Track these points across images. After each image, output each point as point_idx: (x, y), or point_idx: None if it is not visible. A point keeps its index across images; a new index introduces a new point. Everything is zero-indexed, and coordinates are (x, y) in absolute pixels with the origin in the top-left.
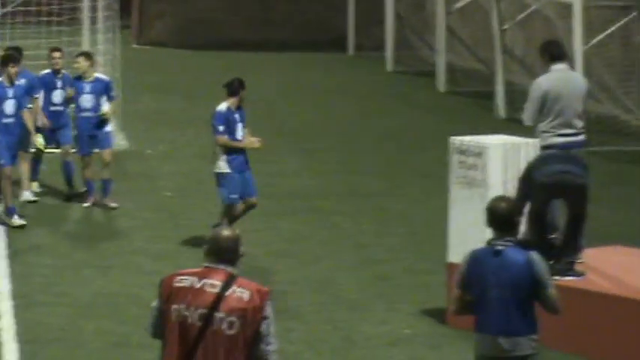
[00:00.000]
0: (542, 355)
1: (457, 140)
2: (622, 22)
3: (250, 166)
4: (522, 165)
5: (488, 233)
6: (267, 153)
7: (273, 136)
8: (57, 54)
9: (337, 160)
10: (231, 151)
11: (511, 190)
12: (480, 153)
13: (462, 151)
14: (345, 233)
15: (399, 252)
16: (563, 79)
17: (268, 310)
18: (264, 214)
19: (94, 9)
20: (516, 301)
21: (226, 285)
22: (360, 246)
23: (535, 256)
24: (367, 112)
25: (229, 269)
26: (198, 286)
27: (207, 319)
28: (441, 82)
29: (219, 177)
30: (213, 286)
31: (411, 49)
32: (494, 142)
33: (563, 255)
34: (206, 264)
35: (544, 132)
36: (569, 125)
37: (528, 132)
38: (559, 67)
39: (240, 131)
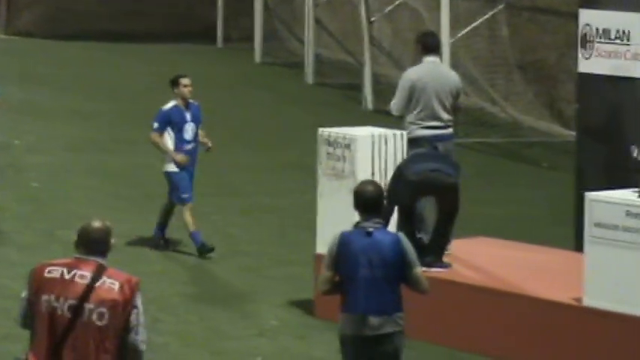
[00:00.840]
0: (408, 345)
1: (325, 132)
2: (488, 15)
3: (194, 169)
4: (390, 156)
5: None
6: (134, 145)
7: (139, 129)
8: None
9: (205, 153)
10: (175, 149)
11: (378, 181)
12: (348, 145)
13: (331, 143)
14: (213, 226)
15: (268, 244)
16: (431, 71)
17: (138, 301)
18: (133, 206)
19: None
20: (386, 280)
21: (96, 276)
22: (229, 237)
23: (403, 236)
24: (235, 104)
25: (99, 260)
26: (68, 277)
27: (77, 310)
28: (309, 74)
29: (167, 177)
30: (82, 277)
31: (280, 40)
32: (362, 133)
33: (432, 247)
34: (76, 255)
35: (411, 123)
36: (436, 118)
37: (396, 124)
38: (430, 60)
39: (190, 131)
